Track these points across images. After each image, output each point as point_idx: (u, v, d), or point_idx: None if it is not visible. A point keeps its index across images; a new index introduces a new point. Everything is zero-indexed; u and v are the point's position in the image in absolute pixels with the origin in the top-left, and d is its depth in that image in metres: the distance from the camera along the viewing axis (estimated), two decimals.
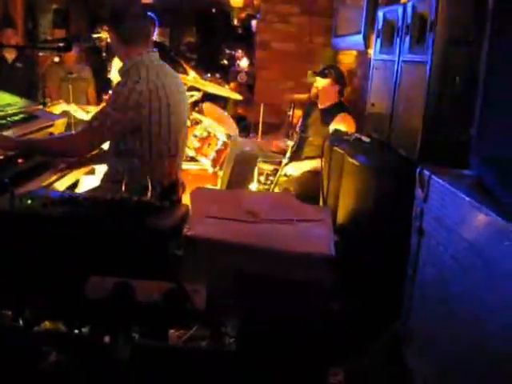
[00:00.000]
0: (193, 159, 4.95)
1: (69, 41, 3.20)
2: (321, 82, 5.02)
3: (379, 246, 2.75)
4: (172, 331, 2.87)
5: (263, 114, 5.94)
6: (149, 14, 3.53)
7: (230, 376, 2.11)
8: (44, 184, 3.10)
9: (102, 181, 3.34)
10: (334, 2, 6.42)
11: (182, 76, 4.35)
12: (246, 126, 6.83)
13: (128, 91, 3.00)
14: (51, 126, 3.72)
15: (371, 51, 3.98)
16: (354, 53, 5.81)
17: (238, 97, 6.13)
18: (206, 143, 4.86)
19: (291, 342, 2.26)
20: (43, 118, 3.72)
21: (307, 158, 4.89)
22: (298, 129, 5.29)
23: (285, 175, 4.90)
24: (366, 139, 3.41)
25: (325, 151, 3.65)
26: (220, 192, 4.00)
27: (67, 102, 5.26)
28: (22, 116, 3.57)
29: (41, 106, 4.26)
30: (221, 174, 4.79)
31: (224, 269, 2.34)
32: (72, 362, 2.03)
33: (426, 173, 2.34)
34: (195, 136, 4.85)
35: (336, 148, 3.43)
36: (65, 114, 4.68)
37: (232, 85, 7.49)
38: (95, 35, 6.11)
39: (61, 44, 3.23)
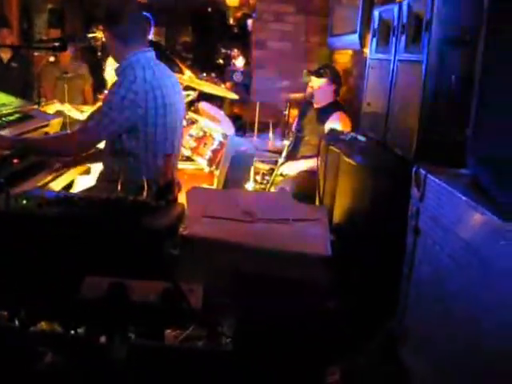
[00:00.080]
0: (189, 159, 4.94)
1: (64, 40, 3.19)
2: (316, 82, 5.02)
3: (375, 246, 2.75)
4: (168, 331, 2.86)
5: (259, 113, 5.94)
6: (144, 13, 3.53)
7: (227, 376, 2.11)
8: (39, 184, 3.10)
9: (98, 180, 3.34)
10: (330, 1, 6.42)
11: (177, 75, 4.34)
12: (242, 126, 6.83)
13: (124, 91, 3.00)
14: (46, 125, 3.71)
15: (367, 50, 3.98)
16: (350, 52, 5.82)
17: (234, 96, 6.13)
18: (201, 143, 4.85)
19: (288, 341, 2.26)
20: (38, 118, 3.71)
21: (303, 157, 4.89)
22: (293, 128, 5.29)
23: (281, 174, 4.90)
24: (361, 138, 3.41)
25: (321, 150, 3.64)
26: (216, 191, 4.00)
27: (62, 101, 5.26)
28: (17, 116, 3.56)
29: (36, 106, 4.25)
30: (217, 173, 4.79)
31: (220, 268, 2.34)
32: (68, 362, 2.03)
33: (422, 172, 2.34)
34: (191, 135, 4.85)
35: (332, 147, 3.43)
36: (59, 113, 4.67)
37: (228, 84, 7.48)
38: (90, 35, 6.11)
39: (56, 44, 3.22)
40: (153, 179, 2.60)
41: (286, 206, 2.87)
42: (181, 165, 4.55)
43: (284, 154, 5.01)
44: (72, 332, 2.26)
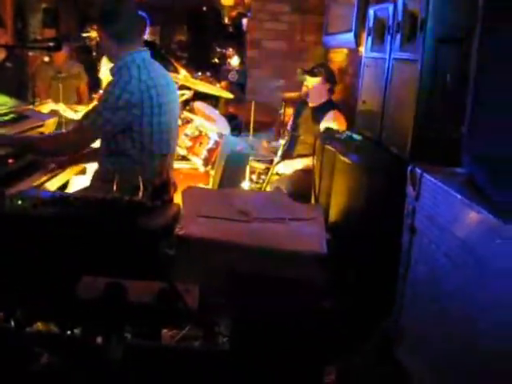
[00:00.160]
0: (184, 158, 4.94)
1: (58, 40, 3.19)
2: (311, 81, 5.03)
3: (371, 244, 2.75)
4: (165, 331, 2.86)
5: (254, 112, 5.94)
6: (140, 13, 3.52)
7: (224, 375, 2.11)
8: (35, 184, 3.10)
9: (93, 180, 3.33)
10: None
11: (172, 75, 4.34)
12: (237, 125, 6.82)
13: (119, 91, 3.00)
14: (41, 126, 3.70)
15: (362, 49, 3.98)
16: (345, 51, 5.82)
17: (229, 95, 6.13)
18: (197, 142, 4.85)
19: (284, 340, 2.26)
20: (33, 118, 3.71)
21: (299, 156, 4.89)
22: (289, 127, 5.29)
23: (277, 174, 4.90)
24: (357, 137, 3.41)
25: (316, 149, 3.64)
26: (211, 191, 4.00)
27: (57, 101, 5.25)
28: (11, 116, 3.55)
29: (31, 106, 4.24)
30: (212, 173, 4.79)
31: (216, 268, 2.34)
32: (64, 363, 2.03)
33: (418, 171, 2.34)
34: (186, 135, 4.84)
35: (327, 146, 3.43)
36: (54, 113, 4.66)
37: (223, 83, 7.48)
38: (85, 34, 6.10)
39: (50, 43, 3.22)
40: (148, 179, 2.60)
41: (282, 205, 2.87)
42: (176, 164, 4.53)
43: (279, 153, 5.02)
44: (68, 332, 2.26)
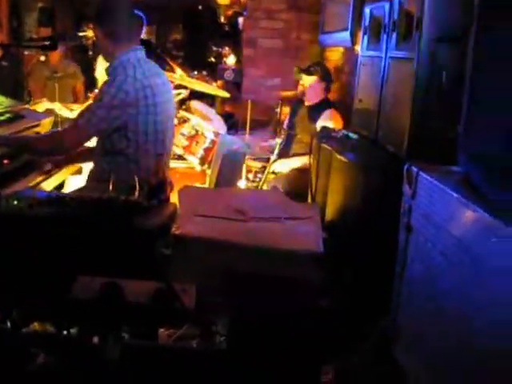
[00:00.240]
0: (181, 157, 4.93)
1: (54, 39, 3.18)
2: (307, 80, 5.03)
3: (368, 243, 2.76)
4: (162, 330, 2.86)
5: (251, 111, 5.93)
6: (137, 12, 3.52)
7: (221, 375, 2.11)
8: (31, 184, 3.09)
9: (88, 180, 3.33)
10: None
11: (168, 74, 4.33)
12: (233, 124, 6.82)
13: (115, 90, 2.99)
14: (37, 125, 3.70)
15: (358, 48, 3.98)
16: (341, 49, 5.81)
17: (226, 94, 6.12)
18: (193, 141, 4.84)
19: (281, 340, 2.26)
20: (29, 118, 3.70)
21: (295, 154, 4.89)
22: (285, 126, 5.29)
23: (273, 172, 4.90)
24: (353, 136, 3.42)
25: (313, 148, 3.64)
26: (208, 190, 3.99)
27: (52, 100, 5.23)
28: (7, 116, 3.54)
29: (27, 106, 4.23)
30: (209, 172, 4.78)
31: (213, 267, 2.33)
32: (61, 363, 2.02)
33: (414, 169, 2.34)
34: (183, 134, 4.83)
35: (324, 145, 3.43)
36: (49, 111, 4.65)
37: (219, 82, 7.47)
38: (81, 33, 6.08)
39: (46, 43, 3.21)
40: (144, 179, 2.59)
41: (279, 204, 2.87)
42: (173, 163, 4.53)
43: (276, 151, 5.01)
44: (65, 332, 2.26)
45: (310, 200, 3.60)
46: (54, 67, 6.49)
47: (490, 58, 2.06)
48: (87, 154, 3.43)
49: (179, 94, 5.29)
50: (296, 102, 5.34)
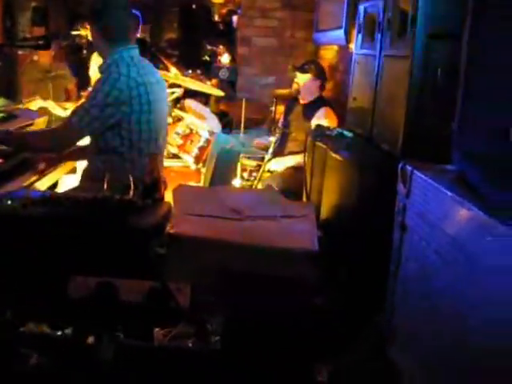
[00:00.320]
0: (175, 156, 4.93)
1: (48, 38, 3.18)
2: (301, 78, 5.03)
3: (363, 242, 2.75)
4: (157, 330, 2.85)
5: (245, 109, 5.93)
6: (134, 11, 3.51)
7: (216, 374, 2.11)
8: (25, 184, 3.08)
9: (82, 178, 3.32)
10: None
11: (163, 73, 4.32)
12: (228, 122, 6.81)
13: (108, 88, 2.99)
14: (31, 124, 3.69)
15: (353, 46, 3.98)
16: (336, 47, 5.81)
17: (220, 93, 6.12)
18: (188, 140, 4.84)
19: (276, 338, 2.26)
20: (23, 117, 3.69)
21: (290, 153, 4.89)
22: (280, 124, 5.29)
23: (268, 171, 4.89)
24: (348, 134, 3.41)
25: (307, 146, 3.64)
26: (203, 189, 3.99)
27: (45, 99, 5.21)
28: (1, 115, 3.54)
29: (21, 105, 4.22)
30: (204, 170, 4.78)
31: (208, 266, 2.33)
32: (55, 363, 2.02)
33: (408, 168, 2.33)
34: (177, 133, 4.83)
35: (319, 143, 3.43)
36: (43, 110, 4.64)
37: (213, 81, 7.46)
38: (74, 32, 6.05)
39: (40, 42, 3.20)
40: (139, 178, 2.59)
41: (273, 203, 2.87)
42: (167, 162, 4.53)
43: (271, 150, 5.01)
44: (59, 332, 2.25)
45: (304, 198, 3.60)
46: (46, 68, 6.45)
47: (485, 54, 2.06)
48: (79, 153, 3.43)
49: (173, 92, 5.28)
50: (291, 101, 5.34)
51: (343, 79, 5.27)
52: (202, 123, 5.00)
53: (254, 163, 5.09)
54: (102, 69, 3.17)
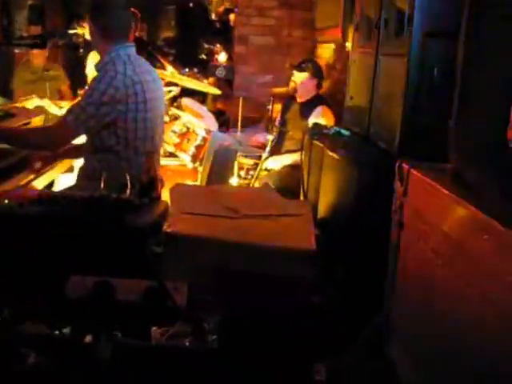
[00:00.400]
0: (172, 155, 4.93)
1: (44, 37, 3.17)
2: (298, 76, 5.03)
3: (360, 240, 2.76)
4: (154, 328, 2.85)
5: (242, 108, 5.93)
6: (132, 9, 3.50)
7: (213, 373, 2.10)
8: (21, 183, 3.08)
9: (78, 177, 3.31)
10: None
11: (159, 71, 4.32)
12: (225, 121, 6.81)
13: (104, 86, 2.98)
14: (28, 123, 3.68)
15: (349, 44, 3.98)
16: (333, 46, 5.82)
17: (217, 91, 6.12)
18: (185, 139, 4.84)
19: (273, 337, 2.26)
20: (20, 116, 3.69)
21: (287, 151, 4.89)
22: (277, 123, 5.29)
23: (265, 169, 4.89)
24: (345, 132, 3.41)
25: (304, 145, 3.64)
26: (200, 188, 3.99)
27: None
28: None
29: (17, 104, 4.22)
30: (200, 169, 4.78)
31: (205, 265, 2.33)
32: (53, 362, 2.02)
33: (405, 166, 2.34)
34: (174, 131, 4.83)
35: (316, 141, 3.42)
36: (40, 109, 4.63)
37: (210, 79, 7.46)
38: (71, 31, 6.04)
39: (36, 41, 3.20)
40: (135, 176, 2.59)
41: (270, 202, 2.87)
42: (164, 161, 4.53)
43: (268, 148, 5.01)
44: (57, 332, 2.25)
45: (302, 197, 3.60)
46: (38, 69, 6.41)
47: (481, 53, 2.06)
48: (75, 151, 3.42)
49: (170, 91, 5.28)
50: (288, 99, 5.34)
51: (340, 78, 5.27)
52: (198, 122, 5.00)
53: (251, 162, 5.09)
54: (98, 67, 3.16)
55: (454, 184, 2.02)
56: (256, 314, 2.27)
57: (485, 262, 1.70)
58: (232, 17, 8.01)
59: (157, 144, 3.30)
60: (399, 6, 2.84)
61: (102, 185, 2.48)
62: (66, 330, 2.23)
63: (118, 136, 3.05)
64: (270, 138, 5.08)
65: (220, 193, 2.95)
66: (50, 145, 3.19)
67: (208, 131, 4.88)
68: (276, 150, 4.97)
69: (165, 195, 2.90)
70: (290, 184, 4.22)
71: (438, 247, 2.01)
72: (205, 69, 8.28)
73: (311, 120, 4.61)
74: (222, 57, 7.95)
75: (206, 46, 9.65)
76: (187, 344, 2.66)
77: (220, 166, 4.70)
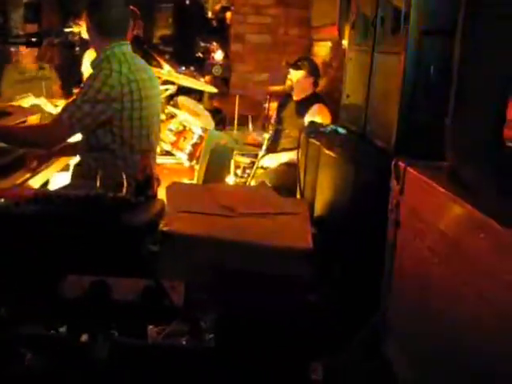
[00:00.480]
0: (168, 153, 4.93)
1: (40, 36, 3.17)
2: (295, 74, 5.03)
3: (357, 238, 2.75)
4: (151, 327, 2.85)
5: (239, 106, 5.93)
6: (131, 7, 3.49)
7: (210, 371, 2.10)
8: (17, 182, 3.07)
9: (73, 175, 3.31)
10: None
11: (156, 70, 4.32)
12: (221, 119, 6.81)
13: (99, 84, 2.97)
14: (24, 122, 3.67)
15: (346, 42, 3.98)
16: (329, 44, 5.82)
17: (213, 90, 6.11)
18: (181, 137, 4.84)
19: (270, 336, 2.26)
20: (16, 115, 3.67)
21: (284, 149, 4.89)
22: (273, 121, 5.29)
23: (261, 167, 4.89)
24: (342, 131, 3.41)
25: (301, 143, 3.64)
26: (196, 186, 3.99)
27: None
28: None
29: (13, 103, 4.21)
30: (197, 167, 4.78)
31: (202, 264, 2.33)
32: (50, 362, 2.01)
33: (402, 165, 2.33)
34: (170, 130, 4.83)
35: (312, 140, 3.42)
36: (36, 107, 4.61)
37: (207, 78, 7.45)
38: (67, 29, 6.02)
39: (32, 39, 3.19)
40: (131, 175, 2.58)
41: (267, 200, 2.87)
42: (161, 159, 4.53)
43: (264, 146, 5.01)
44: (53, 332, 2.25)
45: (298, 195, 3.60)
46: (25, 69, 6.34)
47: (478, 51, 2.06)
48: (70, 150, 3.41)
49: (167, 89, 5.28)
50: (284, 97, 5.34)
51: (337, 76, 5.27)
52: (195, 120, 5.00)
53: (247, 160, 5.09)
54: (93, 65, 3.16)
55: (451, 182, 2.02)
56: (253, 313, 2.27)
57: (481, 261, 1.70)
58: (228, 15, 8.02)
59: (153, 142, 3.30)
60: (395, 4, 2.84)
61: (98, 183, 2.48)
62: (63, 330, 2.23)
63: (113, 134, 3.04)
64: (266, 136, 5.09)
65: (216, 191, 2.94)
66: (45, 143, 3.18)
67: (204, 129, 4.89)
68: (272, 148, 4.97)
69: (161, 194, 2.90)
70: (286, 182, 4.22)
71: (434, 246, 2.01)
72: (201, 67, 8.28)
73: (307, 118, 4.61)
74: (218, 55, 7.95)
75: (203, 44, 9.64)
76: (184, 343, 2.66)
77: (216, 164, 4.70)
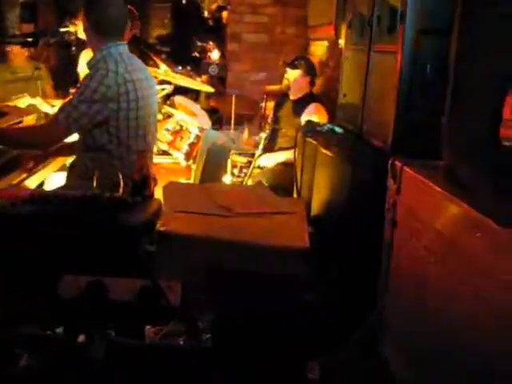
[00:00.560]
0: (165, 153, 4.93)
1: (36, 35, 3.16)
2: (291, 74, 5.03)
3: (353, 238, 2.75)
4: (148, 327, 2.85)
5: (235, 106, 5.93)
6: (128, 7, 3.48)
7: (207, 371, 2.10)
8: (14, 182, 3.07)
9: (69, 175, 3.30)
10: None
11: (153, 69, 4.31)
12: (218, 119, 6.81)
13: (96, 84, 2.96)
14: (20, 122, 3.66)
15: (342, 41, 3.98)
16: (326, 43, 5.82)
17: (210, 89, 6.11)
18: (178, 137, 4.84)
19: (267, 336, 2.26)
20: (12, 115, 3.67)
21: (280, 149, 4.88)
22: (270, 120, 5.29)
23: (258, 167, 4.89)
24: (338, 130, 3.41)
25: (298, 142, 3.64)
26: (193, 186, 3.98)
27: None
28: None
29: (9, 103, 4.20)
30: (194, 167, 4.78)
31: (198, 264, 2.33)
32: (46, 363, 2.01)
33: (398, 164, 2.34)
34: (167, 130, 4.83)
35: (309, 139, 3.42)
36: (32, 107, 4.60)
37: (204, 77, 7.45)
38: (63, 29, 5.99)
39: (28, 39, 3.18)
40: (128, 175, 2.58)
41: (264, 200, 2.87)
42: (157, 159, 4.53)
43: (261, 146, 5.01)
44: (50, 332, 2.25)
45: (295, 195, 3.60)
46: (17, 69, 6.30)
47: (474, 50, 2.06)
48: (67, 150, 3.41)
49: (163, 89, 5.27)
50: (281, 97, 5.33)
51: (333, 75, 5.27)
52: (192, 120, 5.00)
53: (244, 160, 5.09)
54: (90, 64, 3.15)
55: (447, 181, 2.02)
56: (250, 313, 2.27)
57: (477, 260, 1.70)
58: (225, 14, 8.01)
59: (149, 142, 3.29)
60: (392, 3, 2.84)
61: (95, 183, 2.47)
62: (60, 330, 2.23)
63: (110, 134, 3.03)
64: (263, 135, 5.08)
65: (213, 191, 2.94)
66: (41, 143, 3.17)
67: (201, 129, 4.88)
68: (269, 148, 4.97)
69: (158, 193, 2.89)
70: (283, 182, 4.22)
71: (430, 245, 2.01)
72: (198, 67, 8.27)
73: (304, 117, 4.61)
74: (214, 54, 7.94)
75: (199, 43, 9.64)
76: (181, 343, 2.66)
77: (213, 164, 4.69)
